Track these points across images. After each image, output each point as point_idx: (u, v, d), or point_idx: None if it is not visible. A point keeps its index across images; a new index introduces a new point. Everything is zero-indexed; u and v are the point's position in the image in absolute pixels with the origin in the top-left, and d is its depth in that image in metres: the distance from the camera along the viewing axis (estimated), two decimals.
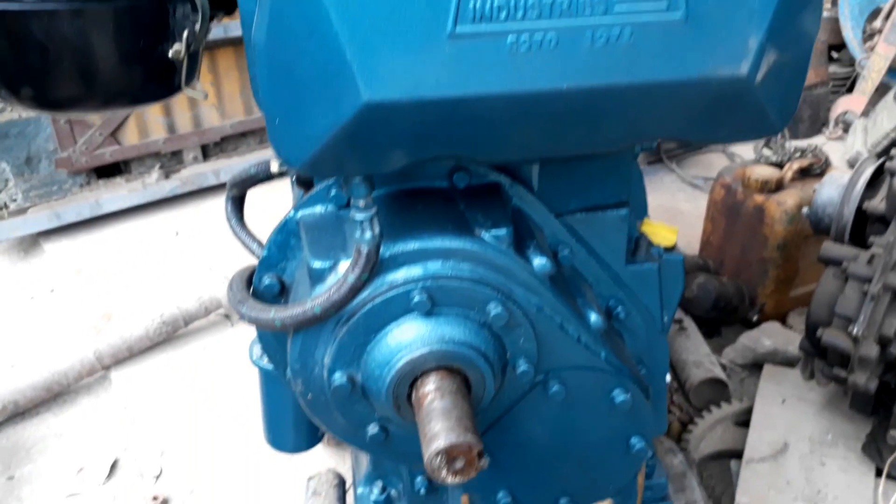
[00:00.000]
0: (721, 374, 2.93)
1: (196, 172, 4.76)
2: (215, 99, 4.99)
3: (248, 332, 3.36)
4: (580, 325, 1.32)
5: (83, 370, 3.03)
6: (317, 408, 1.29)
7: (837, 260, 2.04)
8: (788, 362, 3.04)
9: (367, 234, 1.10)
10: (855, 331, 1.89)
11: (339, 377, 1.20)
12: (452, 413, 1.09)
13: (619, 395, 1.36)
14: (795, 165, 3.30)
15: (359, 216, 1.09)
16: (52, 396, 3.01)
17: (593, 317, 1.34)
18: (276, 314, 1.17)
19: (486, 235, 1.21)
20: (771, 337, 3.16)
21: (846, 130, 5.49)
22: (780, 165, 3.38)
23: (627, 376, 1.37)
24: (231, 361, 3.24)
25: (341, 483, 2.09)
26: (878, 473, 2.39)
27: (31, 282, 3.96)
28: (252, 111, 5.16)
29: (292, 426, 1.78)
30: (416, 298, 1.15)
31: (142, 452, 2.79)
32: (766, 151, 3.53)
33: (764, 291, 3.33)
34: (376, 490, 1.77)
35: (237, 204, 1.67)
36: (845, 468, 2.44)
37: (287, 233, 1.33)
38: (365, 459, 1.85)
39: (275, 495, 2.56)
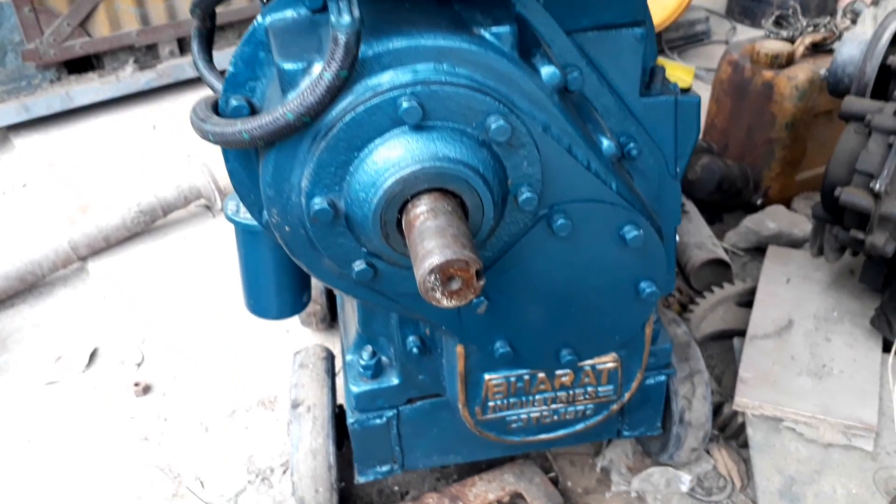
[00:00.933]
0: (723, 255, 2.83)
1: (172, 65, 4.50)
2: None
3: (228, 224, 3.22)
4: (590, 150, 1.17)
5: (58, 260, 2.89)
6: (296, 244, 1.15)
7: (860, 114, 1.89)
8: (793, 244, 2.94)
9: (345, 18, 0.93)
10: (877, 186, 1.76)
11: (318, 202, 1.06)
12: (447, 231, 0.96)
13: (631, 232, 1.23)
14: (808, 40, 3.10)
15: None
16: (27, 287, 2.88)
17: (605, 142, 1.19)
18: (243, 125, 1.01)
19: (485, 34, 1.05)
20: (775, 220, 3.05)
21: (854, 21, 5.23)
22: (791, 41, 3.18)
23: (640, 211, 1.24)
24: (213, 251, 3.10)
25: (330, 356, 1.99)
26: (886, 349, 2.32)
27: (1, 177, 3.77)
28: (230, 2, 4.83)
29: (274, 289, 1.65)
30: (405, 105, 0.99)
31: (122, 341, 2.69)
32: (776, 28, 3.31)
33: (769, 174, 3.19)
34: (365, 355, 1.66)
35: (203, 39, 1.48)
36: (851, 343, 2.36)
37: (255, 44, 1.15)
38: (353, 326, 1.73)
39: (259, 378, 2.48)
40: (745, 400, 2.16)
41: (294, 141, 1.04)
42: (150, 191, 3.15)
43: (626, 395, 1.52)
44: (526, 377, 1.44)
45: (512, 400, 1.46)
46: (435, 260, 0.91)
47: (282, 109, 0.97)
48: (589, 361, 1.44)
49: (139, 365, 2.59)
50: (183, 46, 4.83)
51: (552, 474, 2.11)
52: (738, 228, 3.07)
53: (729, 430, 2.22)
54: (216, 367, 2.55)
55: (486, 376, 1.42)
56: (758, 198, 3.21)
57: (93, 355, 2.62)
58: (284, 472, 2.16)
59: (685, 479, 2.08)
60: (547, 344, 1.36)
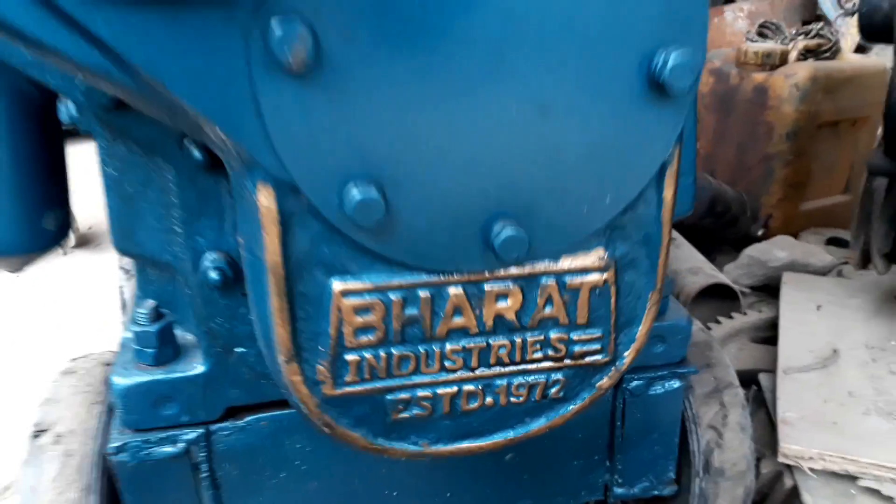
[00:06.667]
0: (727, 280, 2.13)
1: None
2: None
3: (84, 262, 2.43)
4: None
5: None
6: None
7: None
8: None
9: None
10: None
11: None
12: None
13: None
14: (801, 45, 2.60)
15: None
16: None
17: None
18: None
19: None
20: (785, 249, 2.39)
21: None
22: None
23: None
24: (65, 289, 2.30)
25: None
26: None
27: None
28: None
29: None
30: None
31: None
32: (761, 38, 2.83)
33: (769, 200, 2.58)
34: (142, 315, 0.89)
35: None
36: None
37: None
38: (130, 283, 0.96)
39: None
40: (796, 447, 1.39)
41: None
42: None
43: (627, 356, 0.76)
44: (423, 292, 0.67)
45: (396, 350, 0.68)
46: None
47: None
48: (552, 263, 0.69)
49: None
50: None
51: None
52: (739, 261, 2.41)
53: (772, 501, 1.43)
54: None
55: (337, 284, 0.65)
56: (758, 228, 2.58)
57: None
58: None
59: None
60: (462, 199, 0.62)
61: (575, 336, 0.73)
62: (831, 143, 2.60)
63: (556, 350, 0.73)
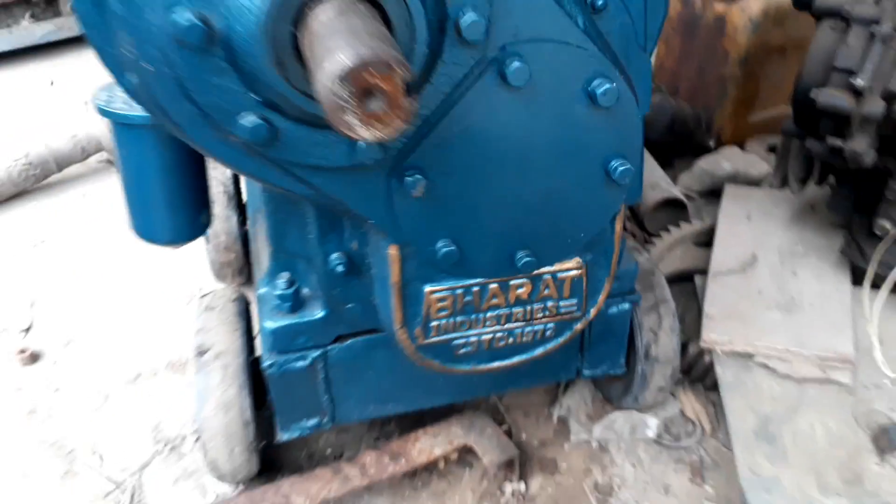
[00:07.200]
0: (679, 194, 2.63)
1: (72, 18, 4.07)
2: None
3: None
4: None
5: None
6: (163, 93, 0.85)
7: (835, 9, 1.70)
8: (751, 184, 2.77)
9: None
10: (860, 82, 1.57)
11: (184, 15, 0.77)
12: (362, 29, 0.68)
13: (602, 85, 0.98)
14: None
15: None
16: None
17: None
18: None
19: None
20: (730, 160, 2.87)
21: None
22: None
23: (613, 61, 0.99)
24: (115, 210, 2.73)
25: (242, 298, 1.69)
26: (855, 282, 2.15)
27: None
28: None
29: (162, 201, 1.34)
30: None
31: (7, 304, 2.31)
32: None
33: (722, 115, 3.02)
34: (281, 283, 1.37)
35: None
36: (819, 276, 2.19)
37: None
38: (264, 252, 1.44)
39: (168, 340, 2.15)
40: (714, 336, 1.96)
41: None
42: (40, 141, 2.76)
43: (592, 312, 1.28)
44: (475, 289, 1.18)
45: (459, 318, 1.20)
46: (344, 59, 0.63)
47: None
48: (549, 268, 1.19)
49: (26, 331, 2.23)
50: None
51: (505, 427, 1.86)
52: (691, 171, 2.89)
53: (695, 373, 2.01)
54: (116, 330, 2.21)
55: (427, 288, 1.15)
56: (710, 139, 3.04)
57: None
58: (197, 439, 1.85)
59: (651, 424, 1.86)
60: (500, 243, 1.11)
61: (562, 304, 1.23)
62: (779, 64, 3.00)
63: (550, 313, 1.23)
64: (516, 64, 0.92)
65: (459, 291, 1.17)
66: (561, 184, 1.07)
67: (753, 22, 2.80)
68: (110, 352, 2.13)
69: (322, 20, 0.73)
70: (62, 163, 2.77)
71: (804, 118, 1.84)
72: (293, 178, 0.95)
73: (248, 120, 0.86)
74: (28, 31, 3.89)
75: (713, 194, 2.83)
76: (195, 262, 2.34)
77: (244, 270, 2.25)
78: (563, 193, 1.08)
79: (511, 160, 1.02)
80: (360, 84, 0.65)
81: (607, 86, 0.97)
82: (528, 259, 1.12)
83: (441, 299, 1.16)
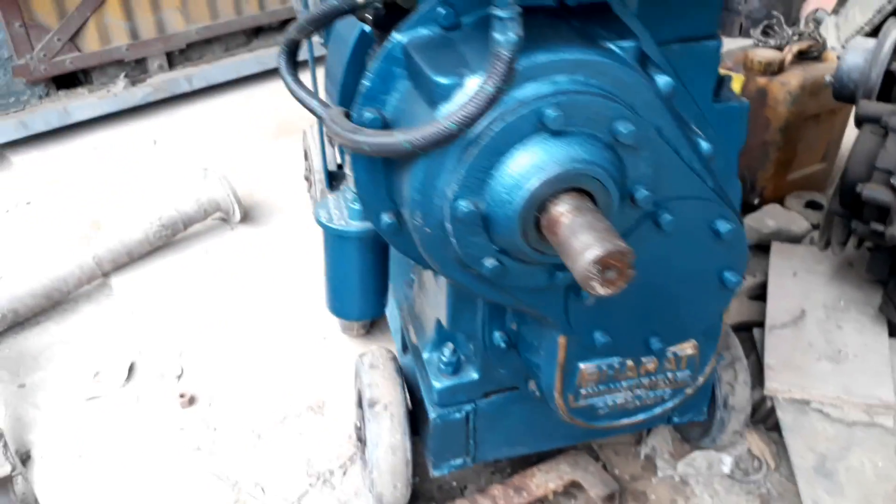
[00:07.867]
0: None
1: (167, 79, 4.50)
2: (178, 1, 4.67)
3: (248, 236, 3.25)
4: (692, 151, 1.29)
5: (83, 276, 2.89)
6: (433, 244, 1.23)
7: (875, 117, 2.07)
8: (792, 240, 3.13)
9: (510, 35, 1.02)
10: None
11: (465, 205, 1.15)
12: (599, 225, 1.06)
13: (724, 226, 1.35)
14: (795, 48, 3.31)
15: (502, 13, 1.01)
16: (52, 304, 2.87)
17: (704, 144, 1.31)
18: (404, 136, 1.09)
19: (613, 47, 1.16)
20: (774, 218, 3.23)
21: (818, 28, 5.54)
22: (779, 49, 3.39)
23: (731, 206, 1.36)
24: (235, 263, 3.14)
25: (395, 357, 2.06)
26: (892, 333, 2.50)
27: (2, 195, 3.71)
28: (218, 14, 4.86)
29: (359, 291, 1.73)
30: (552, 114, 1.09)
31: (158, 354, 2.70)
32: (764, 37, 3.52)
33: (764, 175, 3.38)
34: (447, 352, 1.75)
35: (291, 57, 1.55)
36: (860, 329, 2.54)
37: (390, 61, 1.24)
38: (429, 327, 1.82)
39: (304, 384, 2.53)
40: (775, 385, 2.31)
41: (442, 153, 1.13)
42: (170, 205, 3.17)
43: (701, 379, 1.65)
44: (616, 365, 1.55)
45: (602, 387, 1.57)
46: (596, 251, 1.01)
47: (445, 120, 1.06)
48: (672, 348, 1.56)
49: (179, 377, 2.61)
50: (172, 60, 4.83)
51: (600, 463, 2.22)
52: None
53: (758, 415, 2.36)
54: (257, 376, 2.59)
55: (582, 365, 1.52)
56: (754, 197, 3.40)
57: (130, 369, 2.63)
58: (344, 473, 2.22)
59: (726, 461, 2.21)
60: (639, 332, 1.48)
61: (679, 374, 1.60)
62: (814, 129, 3.37)
63: (670, 382, 1.60)
64: (667, 217, 1.30)
65: (604, 367, 1.54)
66: (687, 290, 1.44)
67: (792, 95, 3.17)
68: (256, 395, 2.51)
69: (560, 210, 1.11)
70: (188, 223, 3.18)
71: (849, 204, 2.20)
72: (505, 294, 1.33)
73: (489, 262, 1.24)
74: (130, 93, 4.32)
75: (759, 248, 3.19)
76: (316, 310, 2.72)
77: (367, 326, 2.64)
78: (688, 296, 1.45)
79: (652, 276, 1.39)
80: (604, 265, 1.02)
81: (728, 227, 1.35)
82: (659, 344, 1.49)
83: (591, 374, 1.54)
